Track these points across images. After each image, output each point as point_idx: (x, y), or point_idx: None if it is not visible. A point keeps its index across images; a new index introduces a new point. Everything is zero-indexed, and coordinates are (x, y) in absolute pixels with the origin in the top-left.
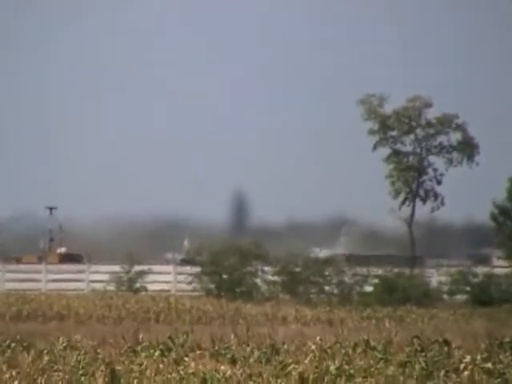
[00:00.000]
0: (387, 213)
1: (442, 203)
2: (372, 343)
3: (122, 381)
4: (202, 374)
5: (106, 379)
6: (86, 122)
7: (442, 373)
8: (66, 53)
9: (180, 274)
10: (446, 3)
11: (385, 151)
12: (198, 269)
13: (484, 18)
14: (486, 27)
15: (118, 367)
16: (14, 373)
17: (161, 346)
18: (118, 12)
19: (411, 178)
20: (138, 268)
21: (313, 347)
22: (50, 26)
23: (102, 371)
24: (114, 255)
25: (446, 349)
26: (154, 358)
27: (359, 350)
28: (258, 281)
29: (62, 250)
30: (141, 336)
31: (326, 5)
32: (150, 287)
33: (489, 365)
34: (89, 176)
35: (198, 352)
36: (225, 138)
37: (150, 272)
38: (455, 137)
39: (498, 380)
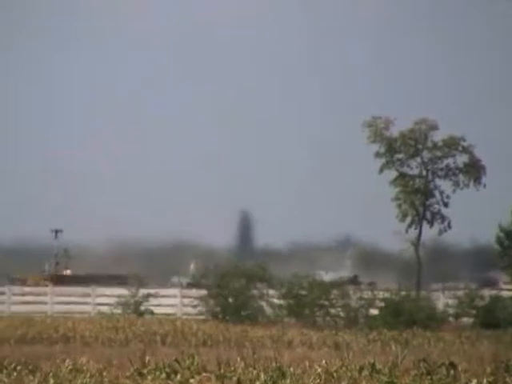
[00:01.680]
0: (392, 235)
1: (449, 226)
2: (378, 366)
3: None
4: None
5: None
6: (88, 144)
7: None
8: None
9: (186, 297)
10: (455, 25)
11: (391, 174)
12: (203, 292)
13: (490, 41)
14: (492, 49)
15: None
16: None
17: (167, 369)
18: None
19: (418, 201)
20: (144, 291)
21: (319, 370)
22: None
23: None
24: (120, 278)
25: (452, 372)
26: (160, 380)
27: (365, 373)
28: (264, 304)
29: (68, 272)
30: (147, 359)
31: (329, 26)
32: (156, 310)
33: None
34: (95, 199)
35: (203, 375)
36: (230, 161)
37: (156, 295)
38: (461, 159)
39: None
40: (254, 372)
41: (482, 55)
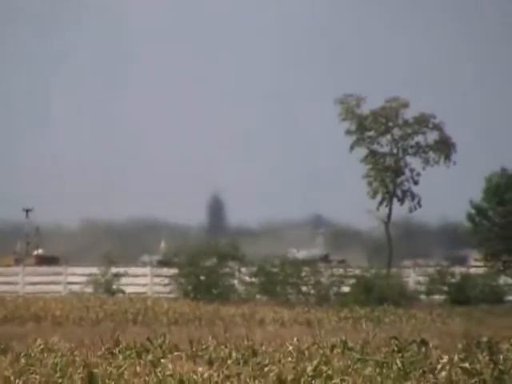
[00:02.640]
0: (364, 213)
1: (419, 204)
2: (349, 344)
3: (99, 383)
4: (179, 375)
5: (84, 382)
6: (65, 122)
7: (420, 373)
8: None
9: (157, 276)
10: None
11: (362, 151)
12: (174, 271)
13: (467, 17)
14: (465, 26)
15: (95, 369)
16: None
17: (138, 348)
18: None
19: (388, 179)
20: (114, 270)
21: (290, 348)
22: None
23: (79, 373)
24: (90, 257)
25: (423, 349)
26: (132, 359)
27: (337, 350)
28: (236, 282)
29: (39, 251)
30: (118, 337)
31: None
32: (127, 289)
33: (466, 364)
34: (65, 178)
35: (175, 354)
36: (201, 139)
37: (126, 274)
38: (432, 136)
39: (476, 380)
40: (226, 350)
41: (455, 32)
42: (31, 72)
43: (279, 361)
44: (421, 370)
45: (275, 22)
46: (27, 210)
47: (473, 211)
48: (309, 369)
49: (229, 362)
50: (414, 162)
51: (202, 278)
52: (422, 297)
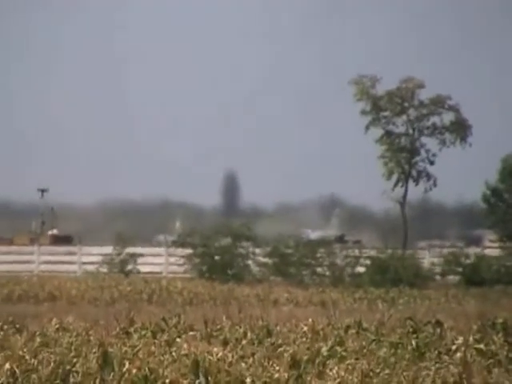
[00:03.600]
0: (380, 194)
1: (435, 184)
2: (364, 324)
3: (114, 363)
4: (194, 355)
5: (99, 361)
6: (77, 105)
7: (435, 354)
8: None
9: (172, 256)
10: None
11: (377, 132)
12: (189, 251)
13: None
14: (479, 10)
15: (110, 349)
16: (6, 355)
17: (153, 328)
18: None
19: (404, 159)
20: (129, 250)
21: (305, 329)
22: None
23: (94, 353)
24: (105, 237)
25: (438, 330)
26: (146, 339)
27: (351, 331)
28: (250, 263)
29: (54, 231)
30: (133, 317)
31: None
32: (142, 269)
33: (481, 346)
34: (81, 158)
35: (190, 333)
36: (215, 121)
37: (141, 254)
38: (448, 118)
39: (491, 361)
40: (241, 330)
41: (469, 13)
42: (45, 57)
43: (294, 341)
44: (436, 351)
45: None
46: (42, 190)
47: (488, 192)
48: (323, 349)
49: (243, 342)
50: (430, 142)
51: (216, 258)
52: (437, 278)
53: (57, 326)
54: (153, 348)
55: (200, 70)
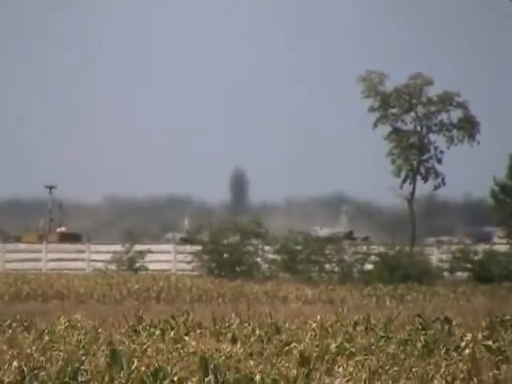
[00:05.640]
0: (387, 191)
1: (443, 182)
2: (373, 321)
3: (122, 360)
4: (202, 352)
5: (107, 359)
6: (85, 103)
7: (443, 351)
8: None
9: (180, 253)
10: None
11: (385, 129)
12: (198, 248)
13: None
14: (490, 5)
15: (118, 347)
16: (14, 353)
17: (162, 326)
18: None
19: (412, 156)
20: (138, 247)
21: (313, 326)
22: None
23: (102, 351)
24: (113, 234)
25: (447, 327)
26: (155, 337)
27: (360, 328)
28: (259, 259)
29: (62, 229)
30: (141, 315)
31: None
32: (151, 266)
33: (490, 342)
34: (88, 156)
35: (198, 331)
36: (224, 117)
37: (150, 251)
38: (456, 115)
39: (500, 358)
40: (250, 328)
41: (482, 11)
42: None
43: (303, 338)
44: (444, 348)
45: None
46: (50, 187)
47: (497, 188)
48: (332, 346)
49: (252, 339)
50: (438, 139)
51: (225, 255)
52: (446, 274)
53: (65, 324)
54: (161, 345)
55: (207, 67)
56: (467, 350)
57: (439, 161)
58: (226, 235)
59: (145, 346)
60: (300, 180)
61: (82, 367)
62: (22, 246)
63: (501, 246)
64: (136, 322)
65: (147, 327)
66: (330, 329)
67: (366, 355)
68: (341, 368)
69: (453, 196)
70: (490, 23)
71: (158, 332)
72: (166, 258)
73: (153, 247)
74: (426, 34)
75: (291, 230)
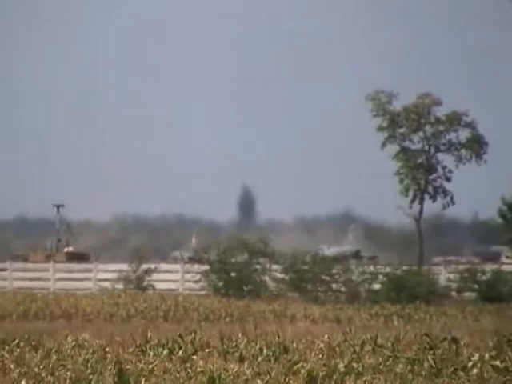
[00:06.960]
0: (395, 210)
1: (452, 200)
2: (380, 341)
3: (130, 380)
4: (210, 372)
5: (115, 378)
6: (90, 121)
7: (451, 370)
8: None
9: (188, 272)
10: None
11: (393, 148)
12: (205, 267)
13: (493, 17)
14: (495, 25)
15: (126, 366)
16: (22, 371)
17: (169, 345)
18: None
19: (420, 176)
20: (145, 266)
21: (321, 345)
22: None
23: (110, 370)
24: (121, 253)
25: (454, 346)
26: (163, 356)
27: (367, 347)
28: (266, 278)
29: (70, 248)
30: (149, 334)
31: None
32: (158, 286)
33: (497, 362)
34: (96, 175)
35: (206, 350)
36: (232, 135)
37: (157, 270)
38: (464, 134)
39: (507, 378)
40: (257, 347)
41: (484, 28)
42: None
43: (310, 358)
44: (452, 368)
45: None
46: (58, 206)
47: (505, 208)
48: (340, 365)
49: (259, 358)
50: (446, 159)
51: (232, 274)
52: (453, 294)
53: (73, 343)
54: (169, 365)
55: (215, 85)
56: (475, 370)
57: (448, 179)
58: (234, 254)
59: (152, 366)
60: (308, 198)
61: None
62: (29, 265)
63: (509, 266)
64: (143, 341)
65: (155, 346)
66: (337, 348)
67: (373, 375)
68: None
69: (461, 215)
70: (500, 43)
71: (165, 351)
72: (173, 277)
73: (160, 266)
74: (433, 52)
75: (298, 249)
